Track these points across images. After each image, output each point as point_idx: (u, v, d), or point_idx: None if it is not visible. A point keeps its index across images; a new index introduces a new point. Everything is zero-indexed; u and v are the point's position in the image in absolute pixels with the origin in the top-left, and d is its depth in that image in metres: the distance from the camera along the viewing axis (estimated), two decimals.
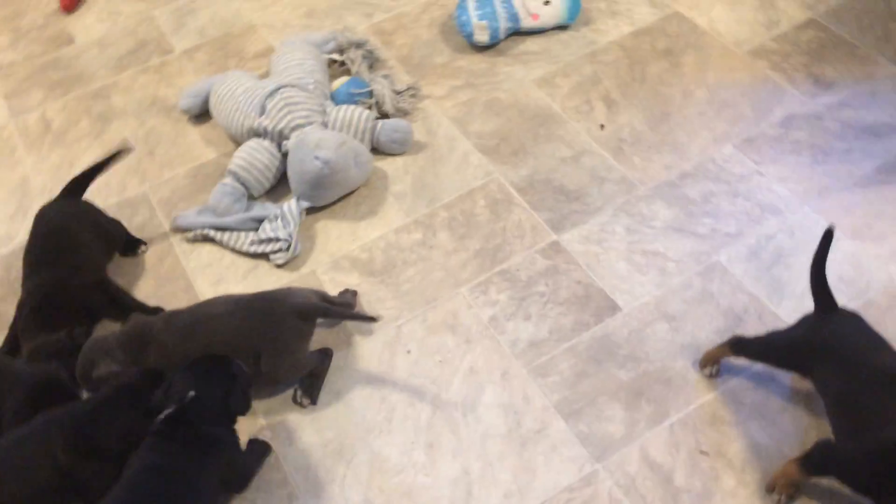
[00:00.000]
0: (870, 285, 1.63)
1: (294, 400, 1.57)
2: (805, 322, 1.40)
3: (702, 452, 1.45)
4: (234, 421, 1.41)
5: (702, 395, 1.52)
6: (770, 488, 1.38)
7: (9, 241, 1.94)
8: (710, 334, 1.59)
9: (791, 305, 1.61)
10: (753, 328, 1.57)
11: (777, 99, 2.00)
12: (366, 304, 1.71)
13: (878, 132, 1.90)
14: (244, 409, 1.42)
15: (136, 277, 1.81)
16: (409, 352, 1.63)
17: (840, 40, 2.12)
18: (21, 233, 1.93)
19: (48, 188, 2.04)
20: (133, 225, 1.89)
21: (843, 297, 1.59)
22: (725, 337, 1.55)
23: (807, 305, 1.59)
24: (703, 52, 2.14)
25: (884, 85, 2.00)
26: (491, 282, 1.73)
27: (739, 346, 1.48)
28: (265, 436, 1.53)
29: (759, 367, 1.52)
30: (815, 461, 1.31)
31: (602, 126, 2.01)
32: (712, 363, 1.53)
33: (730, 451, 1.44)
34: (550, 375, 1.58)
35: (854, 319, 1.37)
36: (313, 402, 1.56)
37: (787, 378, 1.51)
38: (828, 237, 1.36)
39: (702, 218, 1.78)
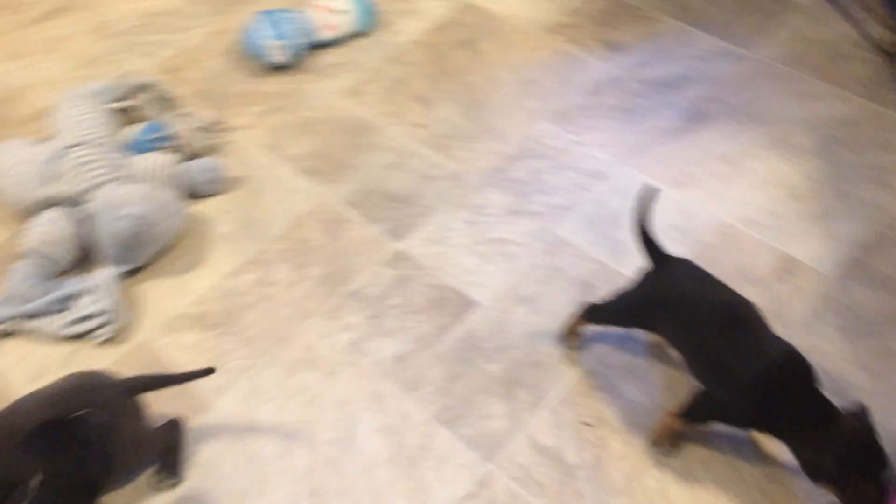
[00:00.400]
0: (700, 228, 1.70)
1: (156, 485, 1.41)
2: (641, 279, 1.40)
3: (585, 424, 1.44)
4: (96, 494, 1.22)
5: (573, 369, 1.52)
6: (655, 443, 1.40)
7: None
8: (568, 307, 1.59)
9: (635, 263, 1.64)
10: (607, 293, 1.60)
11: (579, 70, 2.06)
12: (212, 360, 1.57)
13: (674, 84, 2.00)
14: (108, 476, 1.23)
15: None
16: (270, 400, 1.52)
17: (624, 5, 2.22)
18: None
19: None
20: None
21: (680, 246, 1.65)
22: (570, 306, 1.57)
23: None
24: (501, 36, 2.16)
25: (668, 39, 2.11)
26: (341, 306, 1.65)
27: (591, 313, 1.49)
28: None
29: (618, 328, 1.54)
30: (695, 412, 1.33)
31: (421, 126, 1.98)
32: (572, 335, 1.53)
33: (610, 416, 1.45)
34: (423, 386, 1.52)
35: (683, 264, 1.37)
36: (178, 479, 1.41)
37: (643, 334, 1.54)
38: (648, 196, 1.36)
39: (534, 196, 1.80)
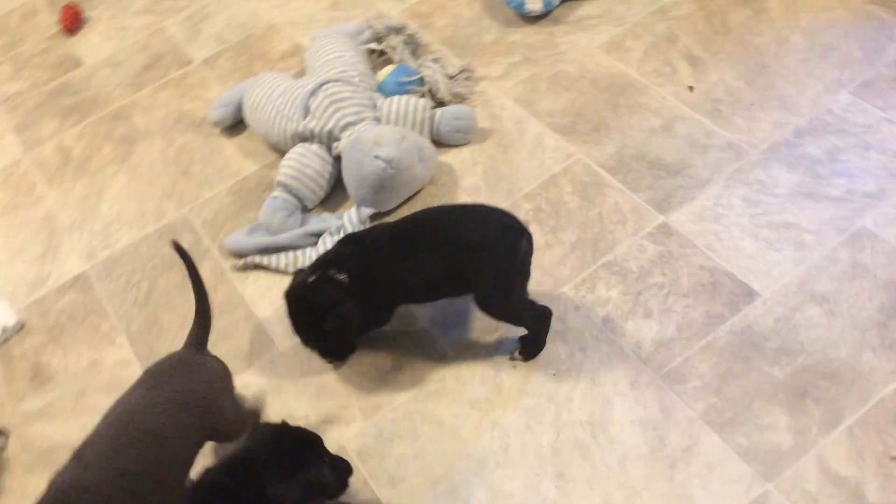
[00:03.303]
0: None
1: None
2: None
3: (893, 458, 1.19)
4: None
5: (880, 388, 1.26)
6: None
7: (40, 283, 1.72)
8: (874, 313, 1.33)
9: None
10: None
11: (887, 35, 1.74)
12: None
13: None
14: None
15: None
16: (514, 367, 1.40)
17: None
18: (53, 273, 1.72)
19: (77, 222, 1.82)
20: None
21: None
22: (892, 315, 1.30)
23: None
24: None
25: None
26: (597, 277, 1.49)
27: None
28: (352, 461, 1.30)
29: None
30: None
31: (691, 88, 1.76)
32: None
33: None
34: (689, 381, 1.33)
35: None
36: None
37: None
38: None
39: (833, 179, 1.53)
